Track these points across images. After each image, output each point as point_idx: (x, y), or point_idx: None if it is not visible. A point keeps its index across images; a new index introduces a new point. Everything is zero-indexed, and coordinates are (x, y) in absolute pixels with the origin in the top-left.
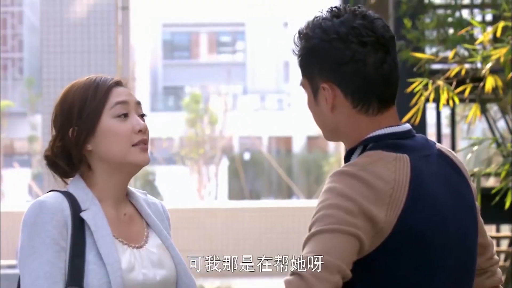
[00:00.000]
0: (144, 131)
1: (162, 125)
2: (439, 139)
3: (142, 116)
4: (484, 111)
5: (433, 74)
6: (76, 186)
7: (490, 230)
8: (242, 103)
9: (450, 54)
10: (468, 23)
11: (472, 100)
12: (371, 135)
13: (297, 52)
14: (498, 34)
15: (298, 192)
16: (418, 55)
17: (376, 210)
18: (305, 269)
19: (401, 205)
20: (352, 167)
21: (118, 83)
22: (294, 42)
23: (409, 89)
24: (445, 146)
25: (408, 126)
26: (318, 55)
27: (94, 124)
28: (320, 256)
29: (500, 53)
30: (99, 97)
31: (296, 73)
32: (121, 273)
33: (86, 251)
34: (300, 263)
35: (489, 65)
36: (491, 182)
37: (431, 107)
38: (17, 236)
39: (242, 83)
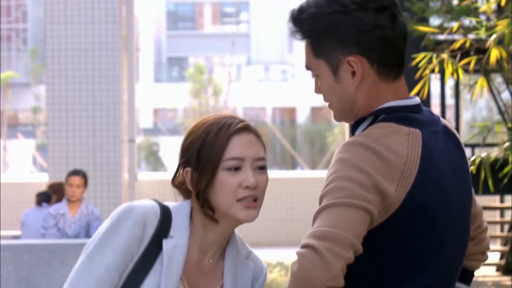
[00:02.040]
0: (253, 187)
1: (166, 96)
2: (443, 110)
3: (261, 168)
4: (488, 82)
5: (438, 45)
6: (181, 208)
7: (494, 200)
8: (246, 73)
9: (454, 26)
10: None
11: (476, 71)
12: (383, 106)
13: (300, 36)
14: (503, 3)
15: (302, 163)
16: (423, 28)
17: (388, 185)
18: (319, 243)
19: (411, 181)
20: (366, 138)
21: (245, 128)
22: (292, 28)
23: (413, 63)
24: (449, 116)
25: (418, 99)
26: (337, 29)
27: (213, 177)
28: (334, 230)
29: (503, 24)
30: (220, 148)
31: (301, 44)
32: None
33: (149, 275)
34: (313, 236)
35: (493, 36)
36: (496, 153)
37: (435, 78)
38: (21, 207)
39: (246, 54)
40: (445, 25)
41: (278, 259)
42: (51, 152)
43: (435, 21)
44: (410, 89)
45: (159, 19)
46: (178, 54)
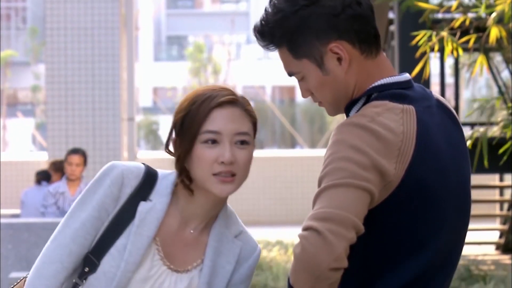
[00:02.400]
0: (228, 163)
1: (165, 75)
2: (443, 89)
3: (242, 143)
4: (485, 50)
5: (437, 23)
6: (168, 175)
7: (493, 179)
8: (245, 52)
9: (454, 3)
10: None
11: (476, 50)
12: (375, 84)
13: (275, 46)
14: None
15: (302, 142)
16: (422, 4)
17: (387, 163)
18: (321, 224)
19: (409, 158)
20: (362, 118)
21: (229, 102)
22: (262, 44)
23: (413, 42)
24: (449, 95)
25: (408, 75)
26: (309, 23)
27: (191, 148)
28: (336, 211)
29: (502, 2)
30: (199, 119)
31: None
32: (130, 276)
33: (122, 235)
34: (315, 217)
35: (493, 15)
36: (496, 132)
37: (435, 56)
38: (21, 186)
39: (245, 33)
40: (445, 3)
41: (278, 237)
42: (51, 130)
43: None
44: (411, 67)
45: None
46: (178, 33)
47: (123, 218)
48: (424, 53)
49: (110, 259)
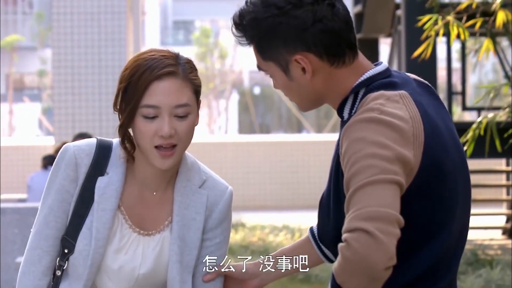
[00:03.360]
0: (167, 137)
1: None
2: (449, 73)
3: (183, 117)
4: (494, 45)
5: (443, 7)
6: (119, 144)
7: (500, 164)
8: None
9: None
10: None
11: (482, 34)
12: (359, 80)
13: (246, 42)
14: None
15: (308, 127)
16: None
17: (407, 152)
18: (369, 224)
19: (422, 142)
20: (370, 113)
21: (168, 74)
22: (236, 34)
23: (419, 24)
24: (455, 80)
25: (385, 64)
26: (278, 32)
27: (132, 119)
28: (380, 209)
29: None
30: (138, 93)
31: None
32: (103, 251)
33: (88, 214)
34: (360, 218)
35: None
36: (502, 117)
37: (441, 41)
38: (27, 170)
39: None
40: None
41: (284, 222)
42: (57, 115)
43: None
44: (416, 50)
45: None
46: (184, 18)
47: (85, 196)
48: (429, 37)
49: (83, 238)
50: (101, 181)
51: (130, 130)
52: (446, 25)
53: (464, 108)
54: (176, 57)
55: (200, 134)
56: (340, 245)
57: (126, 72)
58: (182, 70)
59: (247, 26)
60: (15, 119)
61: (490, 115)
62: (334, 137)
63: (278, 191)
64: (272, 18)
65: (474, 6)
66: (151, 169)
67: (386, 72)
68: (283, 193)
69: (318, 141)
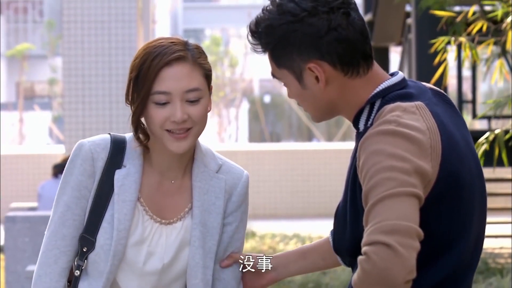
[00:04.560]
0: (179, 122)
1: None
2: (460, 82)
3: (194, 101)
4: (504, 53)
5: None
6: (132, 137)
7: (507, 172)
8: None
9: (470, 10)
10: None
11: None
12: (375, 91)
13: (261, 49)
14: None
15: (318, 135)
16: (439, 12)
17: (425, 164)
18: (389, 238)
19: (440, 153)
20: (387, 125)
21: (177, 59)
22: (252, 42)
23: (432, 49)
24: (466, 88)
25: (401, 74)
26: (292, 39)
27: (144, 107)
28: (400, 222)
29: None
30: (148, 80)
31: None
32: (125, 243)
33: (108, 207)
34: (380, 231)
35: (510, 18)
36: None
37: (452, 50)
38: (38, 179)
39: None
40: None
41: (295, 231)
42: (68, 124)
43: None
44: (430, 74)
45: None
46: (195, 26)
47: (103, 190)
48: (440, 60)
49: (103, 232)
50: (119, 173)
51: (143, 120)
52: (459, 46)
53: (474, 116)
54: (185, 43)
55: (211, 143)
56: (359, 258)
57: (136, 61)
58: (191, 55)
59: (263, 33)
60: (26, 128)
61: (498, 130)
62: (345, 145)
63: (288, 200)
64: (286, 25)
65: (485, 27)
66: (167, 157)
67: (402, 83)
68: (293, 201)
69: (328, 149)
